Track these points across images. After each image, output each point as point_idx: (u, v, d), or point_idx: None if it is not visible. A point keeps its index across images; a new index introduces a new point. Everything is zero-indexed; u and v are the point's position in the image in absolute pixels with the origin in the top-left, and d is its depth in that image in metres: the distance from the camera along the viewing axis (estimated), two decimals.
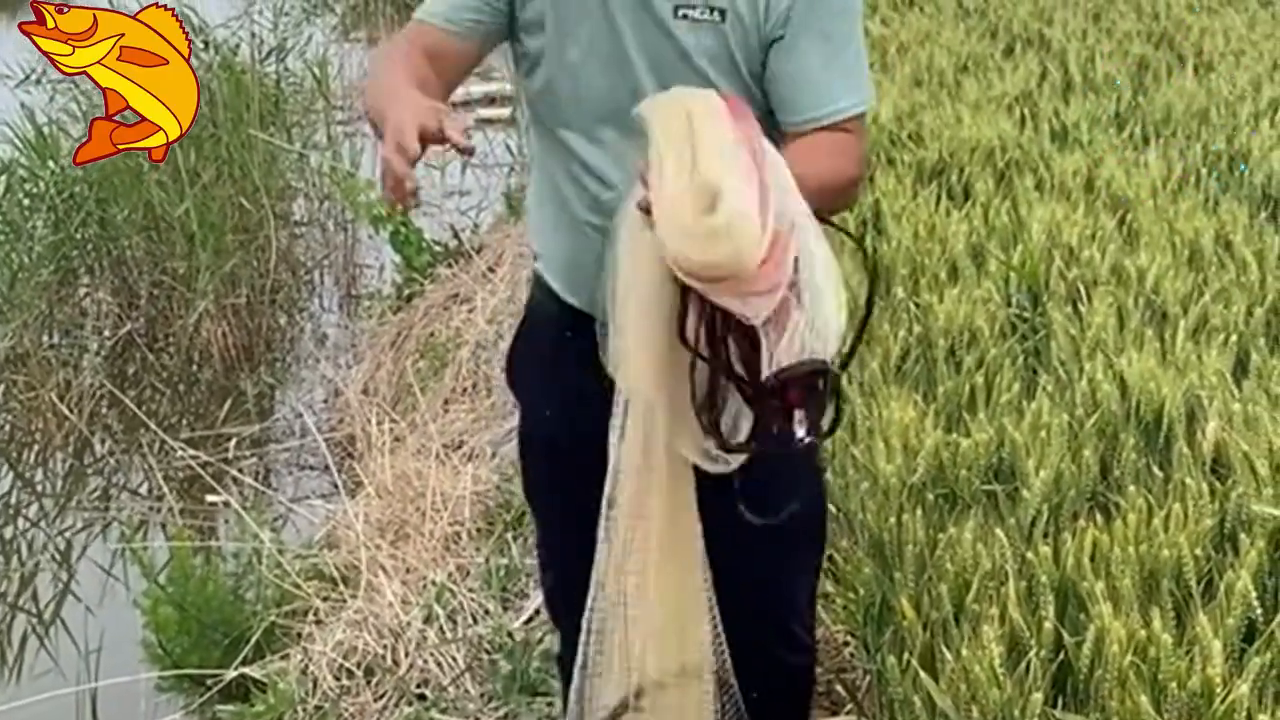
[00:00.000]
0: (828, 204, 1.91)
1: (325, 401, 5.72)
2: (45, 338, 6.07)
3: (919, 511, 2.48)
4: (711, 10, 2.03)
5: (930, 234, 3.72)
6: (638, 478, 1.94)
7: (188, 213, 6.10)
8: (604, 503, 1.96)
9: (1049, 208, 3.82)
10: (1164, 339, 2.99)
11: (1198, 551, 2.24)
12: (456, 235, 6.47)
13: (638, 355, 1.87)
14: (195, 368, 6.15)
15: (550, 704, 3.05)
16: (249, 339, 6.24)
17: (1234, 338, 3.00)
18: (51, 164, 6.19)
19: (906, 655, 2.26)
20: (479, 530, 3.86)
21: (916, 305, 3.33)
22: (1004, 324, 3.19)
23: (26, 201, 6.15)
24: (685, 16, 2.03)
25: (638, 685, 1.96)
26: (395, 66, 2.06)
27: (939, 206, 3.99)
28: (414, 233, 6.30)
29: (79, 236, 6.25)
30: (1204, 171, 4.30)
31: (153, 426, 5.20)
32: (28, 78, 6.47)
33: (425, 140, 1.77)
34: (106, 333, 6.27)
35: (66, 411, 5.50)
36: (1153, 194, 3.99)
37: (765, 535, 1.97)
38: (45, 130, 6.26)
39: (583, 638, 2.03)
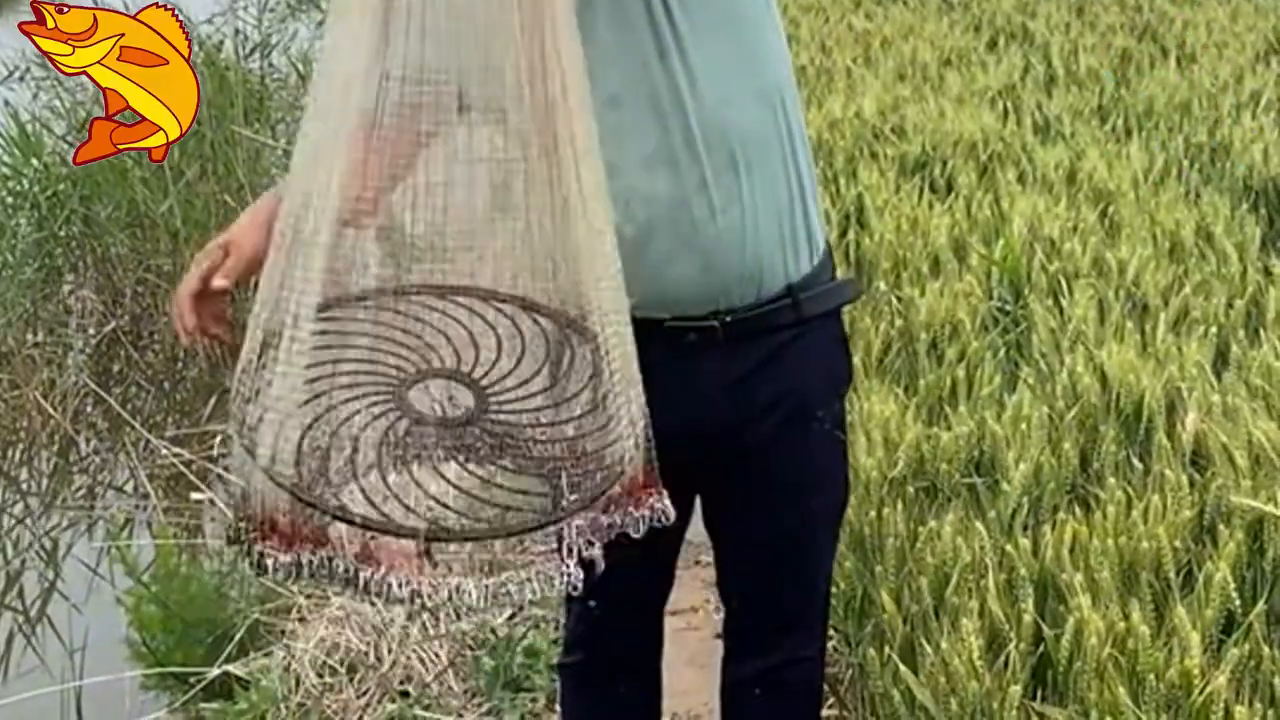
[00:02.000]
0: None
1: None
2: (29, 336, 6.03)
3: (899, 505, 2.49)
4: None
5: (912, 227, 3.73)
6: None
7: (171, 210, 6.07)
8: None
9: (1031, 201, 3.84)
10: (1144, 331, 3.00)
11: (1177, 543, 2.24)
12: None
13: None
14: (180, 365, 6.11)
15: (534, 700, 3.05)
16: (234, 336, 6.20)
17: (1214, 329, 3.01)
18: (35, 162, 6.16)
19: (887, 649, 2.27)
20: None
21: (898, 299, 3.34)
22: (985, 317, 3.20)
23: (10, 199, 6.12)
24: None
25: None
26: None
27: (921, 200, 4.01)
28: None
29: (63, 234, 6.22)
30: (1185, 163, 4.32)
31: (136, 426, 5.18)
32: (10, 75, 6.44)
33: None
34: (91, 331, 6.24)
35: (51, 410, 5.47)
36: (1134, 186, 4.00)
37: (779, 524, 1.92)
38: (29, 128, 6.23)
39: None
